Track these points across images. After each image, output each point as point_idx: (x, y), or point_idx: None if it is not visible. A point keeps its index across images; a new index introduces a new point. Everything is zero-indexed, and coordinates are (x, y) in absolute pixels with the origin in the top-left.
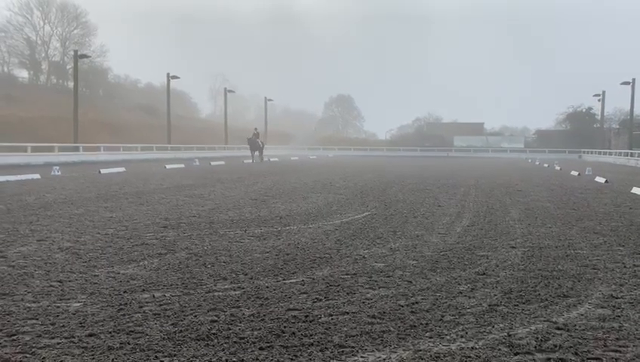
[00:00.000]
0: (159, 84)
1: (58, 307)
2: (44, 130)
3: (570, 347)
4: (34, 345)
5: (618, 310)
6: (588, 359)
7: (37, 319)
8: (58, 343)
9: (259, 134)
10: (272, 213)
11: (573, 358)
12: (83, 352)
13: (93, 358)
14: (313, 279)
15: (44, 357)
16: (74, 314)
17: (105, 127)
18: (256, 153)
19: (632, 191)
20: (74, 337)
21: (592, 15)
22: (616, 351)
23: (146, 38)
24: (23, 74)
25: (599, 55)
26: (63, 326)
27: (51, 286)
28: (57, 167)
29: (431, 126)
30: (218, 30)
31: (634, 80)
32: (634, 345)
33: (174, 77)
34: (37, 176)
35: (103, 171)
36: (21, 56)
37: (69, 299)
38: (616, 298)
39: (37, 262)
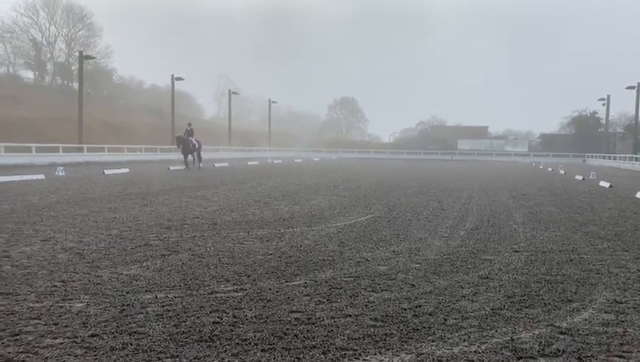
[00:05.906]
0: (164, 86)
1: (61, 307)
2: (48, 131)
3: (574, 352)
4: (37, 345)
5: (622, 315)
6: None
7: (40, 319)
8: (61, 343)
9: (192, 131)
10: (275, 214)
11: None
12: (85, 352)
13: (96, 359)
14: (316, 281)
15: (46, 357)
16: (77, 314)
17: (109, 127)
18: (190, 157)
19: (636, 195)
20: (77, 337)
21: (597, 14)
22: (620, 356)
23: (152, 39)
24: (29, 75)
25: (604, 56)
26: (66, 326)
27: (54, 286)
28: (61, 168)
29: (435, 129)
30: (222, 31)
31: (639, 84)
32: (638, 351)
33: (179, 78)
34: (41, 176)
35: (107, 172)
36: (27, 57)
37: (72, 300)
38: (620, 303)
39: (40, 262)
